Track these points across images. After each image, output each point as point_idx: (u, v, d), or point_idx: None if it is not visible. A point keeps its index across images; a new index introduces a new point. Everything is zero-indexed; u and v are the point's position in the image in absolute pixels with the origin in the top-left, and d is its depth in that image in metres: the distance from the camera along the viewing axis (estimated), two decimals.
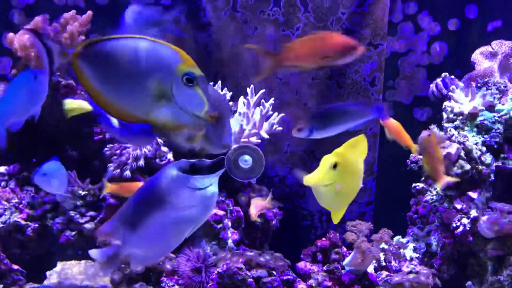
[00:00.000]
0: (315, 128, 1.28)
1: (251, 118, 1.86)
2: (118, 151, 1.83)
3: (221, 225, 1.83)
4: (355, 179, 1.17)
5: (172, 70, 0.98)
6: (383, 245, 1.85)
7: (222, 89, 1.96)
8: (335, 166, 1.09)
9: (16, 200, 1.85)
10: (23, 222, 1.82)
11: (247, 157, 1.30)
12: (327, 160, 1.10)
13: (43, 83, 1.31)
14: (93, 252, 1.05)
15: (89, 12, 1.97)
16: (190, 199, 1.00)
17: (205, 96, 0.97)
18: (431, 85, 2.20)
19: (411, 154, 1.97)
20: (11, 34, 1.94)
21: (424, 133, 1.65)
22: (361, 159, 1.19)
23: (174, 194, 0.99)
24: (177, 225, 1.01)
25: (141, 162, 1.80)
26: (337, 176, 1.10)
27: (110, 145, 1.86)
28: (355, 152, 1.16)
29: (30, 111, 1.35)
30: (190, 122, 1.00)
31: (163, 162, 1.95)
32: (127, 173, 1.79)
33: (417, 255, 1.96)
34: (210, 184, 1.01)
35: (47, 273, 1.83)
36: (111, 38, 1.01)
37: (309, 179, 1.09)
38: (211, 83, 1.94)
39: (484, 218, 1.77)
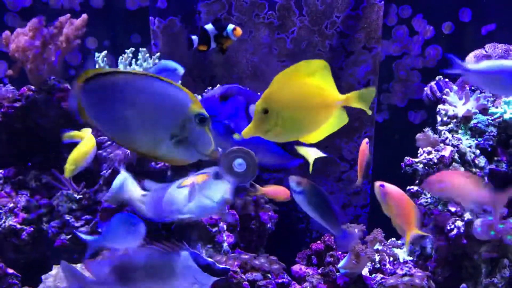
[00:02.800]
0: None
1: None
2: (110, 154, 1.84)
3: (216, 228, 1.83)
4: (304, 108, 1.04)
5: (185, 110, 1.02)
6: (377, 246, 1.86)
7: None
8: (265, 112, 1.01)
9: (12, 204, 1.85)
10: (18, 226, 1.82)
11: (240, 161, 1.30)
12: (256, 108, 1.02)
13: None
14: None
15: (84, 16, 1.98)
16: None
17: (212, 135, 1.03)
18: (425, 88, 2.21)
19: (406, 157, 1.98)
20: (7, 33, 1.94)
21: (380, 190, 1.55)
22: (319, 82, 1.04)
23: (181, 279, 1.19)
24: None
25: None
26: (274, 118, 1.01)
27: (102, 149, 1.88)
28: (294, 82, 1.03)
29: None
30: (195, 159, 1.04)
31: (158, 165, 1.95)
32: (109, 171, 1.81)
33: (412, 257, 1.96)
34: (209, 283, 1.21)
35: (43, 277, 1.82)
36: (115, 72, 1.03)
37: (244, 133, 1.03)
38: (209, 88, 1.96)
39: (479, 221, 1.78)
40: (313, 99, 1.04)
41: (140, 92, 1.01)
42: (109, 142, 1.89)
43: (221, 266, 1.21)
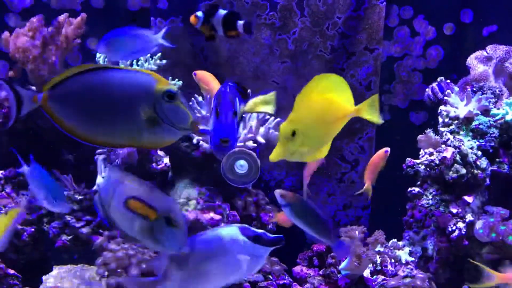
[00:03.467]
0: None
1: (248, 122, 1.87)
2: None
3: None
4: (323, 127, 1.06)
5: (151, 92, 1.01)
6: (378, 248, 1.86)
7: None
8: (293, 134, 1.02)
9: (12, 205, 1.85)
10: (19, 227, 1.82)
11: (242, 162, 1.30)
12: (283, 130, 1.03)
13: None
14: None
15: (83, 15, 1.97)
16: (244, 263, 1.17)
17: (186, 107, 1.01)
18: (427, 89, 2.21)
19: (407, 158, 1.98)
20: (6, 34, 1.94)
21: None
22: (335, 97, 1.06)
23: (232, 255, 1.16)
24: (221, 278, 1.17)
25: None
26: (299, 140, 1.03)
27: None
28: (314, 101, 1.05)
29: None
30: (178, 136, 1.04)
31: (160, 166, 1.95)
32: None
33: (413, 259, 1.96)
34: (264, 255, 1.19)
35: (43, 277, 1.82)
36: (77, 73, 1.02)
37: (272, 157, 1.03)
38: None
39: (480, 222, 1.78)
40: (332, 114, 1.07)
41: (102, 86, 1.01)
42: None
43: (272, 235, 1.18)
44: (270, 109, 1.23)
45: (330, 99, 1.05)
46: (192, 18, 1.54)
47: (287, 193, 1.26)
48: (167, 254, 1.14)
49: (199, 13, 1.54)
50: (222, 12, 1.53)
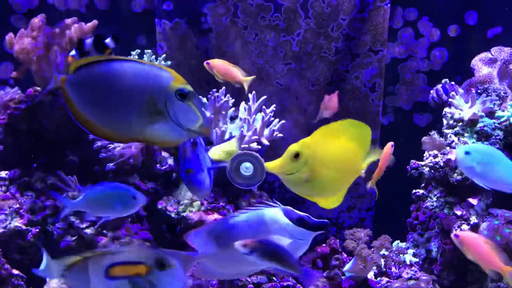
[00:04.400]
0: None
1: (252, 124, 1.87)
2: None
3: None
4: (333, 170, 1.05)
5: (165, 87, 1.02)
6: (383, 251, 1.86)
7: (225, 95, 1.96)
8: (297, 155, 1.02)
9: (17, 205, 1.85)
10: (23, 227, 1.82)
11: (248, 164, 1.30)
12: (289, 148, 1.04)
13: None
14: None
15: (95, 22, 1.97)
16: (285, 245, 1.16)
17: (198, 110, 1.01)
18: (431, 91, 2.21)
19: (412, 160, 1.98)
20: (11, 35, 1.94)
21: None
22: (356, 149, 1.07)
23: (276, 237, 1.16)
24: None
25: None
26: (301, 166, 1.02)
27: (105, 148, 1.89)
28: (334, 140, 1.05)
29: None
30: (185, 138, 1.03)
31: (164, 167, 1.95)
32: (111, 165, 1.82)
33: (417, 260, 1.96)
34: (307, 238, 1.18)
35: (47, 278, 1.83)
36: (100, 60, 1.03)
37: (268, 165, 1.04)
38: (214, 90, 1.95)
39: (484, 225, 1.77)
40: (345, 163, 1.07)
41: (119, 75, 1.02)
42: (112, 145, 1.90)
43: (317, 219, 1.18)
44: (229, 156, 1.27)
45: (350, 148, 1.06)
46: (69, 59, 1.62)
47: (247, 242, 1.28)
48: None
49: (73, 52, 1.62)
50: (89, 40, 1.61)
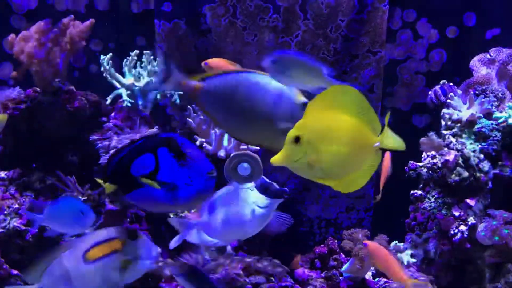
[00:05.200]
0: None
1: None
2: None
3: None
4: (339, 143, 1.00)
5: (293, 103, 1.13)
6: None
7: None
8: (297, 139, 0.98)
9: (16, 206, 1.86)
10: (22, 227, 1.83)
11: (245, 165, 1.31)
12: (288, 136, 0.99)
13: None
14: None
15: (92, 20, 1.98)
16: (252, 214, 1.29)
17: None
18: (429, 92, 2.21)
19: (410, 161, 1.98)
20: (12, 36, 1.95)
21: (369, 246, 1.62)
22: (354, 115, 1.01)
23: (243, 204, 1.29)
24: (238, 226, 1.31)
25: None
26: (305, 148, 0.98)
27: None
28: (329, 113, 1.01)
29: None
30: None
31: None
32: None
33: (415, 260, 1.96)
34: (269, 207, 1.31)
35: None
36: (231, 72, 1.14)
37: (274, 160, 1.00)
38: None
39: (482, 225, 1.78)
40: (349, 134, 1.02)
41: (257, 88, 1.12)
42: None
43: (278, 187, 1.28)
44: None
45: (350, 117, 1.02)
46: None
47: (179, 265, 1.32)
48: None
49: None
50: None
